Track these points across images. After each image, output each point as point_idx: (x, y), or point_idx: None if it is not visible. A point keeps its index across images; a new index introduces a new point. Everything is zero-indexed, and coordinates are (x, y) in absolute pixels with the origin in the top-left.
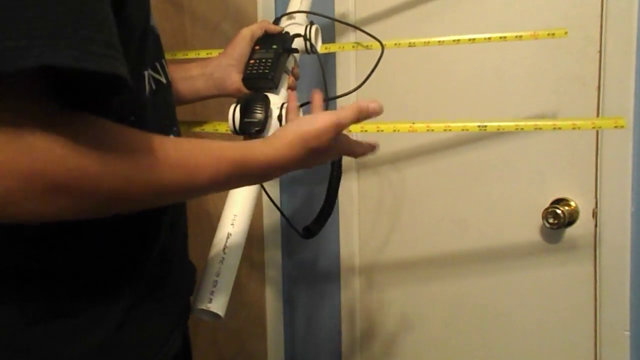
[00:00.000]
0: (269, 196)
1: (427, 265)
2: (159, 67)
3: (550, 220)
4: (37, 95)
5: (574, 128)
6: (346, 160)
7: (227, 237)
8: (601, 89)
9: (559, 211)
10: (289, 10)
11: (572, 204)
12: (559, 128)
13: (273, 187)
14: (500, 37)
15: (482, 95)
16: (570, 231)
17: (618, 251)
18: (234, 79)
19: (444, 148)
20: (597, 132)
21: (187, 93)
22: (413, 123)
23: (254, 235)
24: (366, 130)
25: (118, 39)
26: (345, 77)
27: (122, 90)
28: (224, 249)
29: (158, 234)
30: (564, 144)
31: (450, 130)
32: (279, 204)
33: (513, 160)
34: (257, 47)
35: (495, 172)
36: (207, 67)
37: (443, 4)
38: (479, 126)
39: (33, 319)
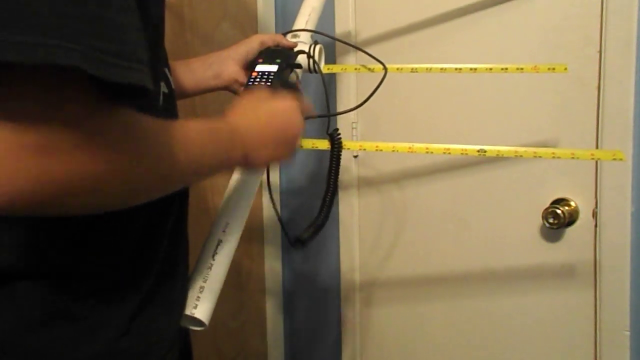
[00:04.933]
0: (271, 196)
1: (428, 279)
2: (162, 77)
3: (550, 220)
4: (76, 92)
5: (572, 157)
6: (347, 175)
7: (218, 244)
8: (601, 89)
9: (559, 211)
10: (295, 27)
11: (572, 204)
12: (558, 157)
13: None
14: (502, 69)
15: (481, 95)
16: (570, 231)
17: (618, 251)
18: (232, 70)
19: (445, 167)
20: (597, 132)
21: (187, 83)
22: (412, 145)
23: (254, 235)
24: (365, 149)
25: (138, 48)
26: (346, 92)
27: (141, 97)
28: (213, 255)
29: (162, 238)
30: (564, 144)
31: (449, 153)
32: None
33: (513, 161)
34: (260, 60)
35: (496, 173)
36: (207, 59)
37: (443, 24)
38: (478, 151)
39: (34, 323)
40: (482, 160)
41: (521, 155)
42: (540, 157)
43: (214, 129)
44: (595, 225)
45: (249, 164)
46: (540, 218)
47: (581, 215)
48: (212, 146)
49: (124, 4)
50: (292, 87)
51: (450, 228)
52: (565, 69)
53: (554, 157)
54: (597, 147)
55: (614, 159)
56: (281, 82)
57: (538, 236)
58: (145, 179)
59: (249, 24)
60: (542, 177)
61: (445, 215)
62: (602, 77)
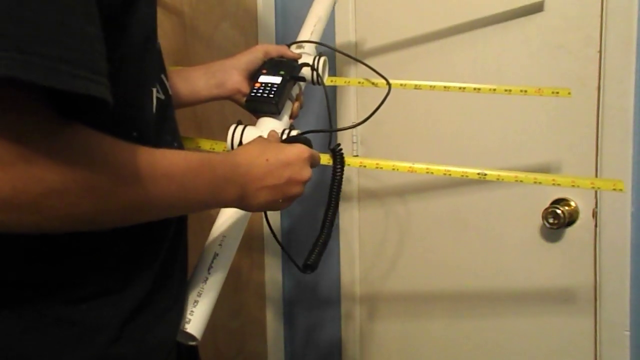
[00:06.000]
0: (270, 228)
1: (429, 287)
2: (158, 83)
3: (550, 220)
4: (20, 105)
5: (572, 185)
6: (348, 185)
7: (214, 257)
8: (601, 89)
9: (559, 211)
10: (300, 38)
11: (572, 204)
12: (558, 184)
13: (275, 212)
14: (506, 90)
15: (482, 95)
16: (570, 231)
17: (618, 251)
18: (235, 80)
19: (446, 183)
20: (597, 131)
21: (188, 93)
22: (413, 165)
23: (254, 244)
24: (365, 166)
25: (100, 59)
26: (346, 102)
27: (101, 110)
28: (209, 268)
29: (162, 245)
30: (564, 144)
31: (449, 174)
32: (279, 224)
33: (513, 161)
34: (263, 71)
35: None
36: (210, 67)
37: (442, 40)
38: (478, 174)
39: (27, 328)
40: (483, 162)
41: (521, 181)
42: (540, 183)
43: (209, 163)
44: (595, 225)
45: (244, 206)
46: (540, 218)
47: (581, 215)
48: (201, 181)
49: (86, 11)
50: (292, 101)
51: (451, 229)
52: (569, 93)
53: (554, 185)
54: (597, 148)
55: (614, 189)
56: (284, 95)
57: (538, 236)
58: (102, 204)
59: (249, 24)
60: None
61: (446, 217)
62: (602, 77)
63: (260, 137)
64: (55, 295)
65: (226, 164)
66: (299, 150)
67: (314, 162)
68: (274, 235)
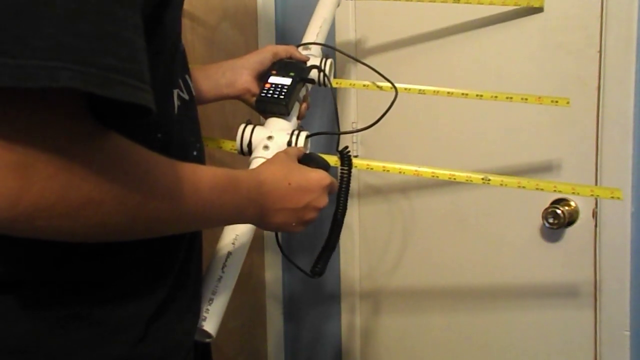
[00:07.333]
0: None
1: (430, 285)
2: (182, 83)
3: (550, 220)
4: (69, 114)
5: (573, 193)
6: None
7: (227, 256)
8: (601, 89)
9: (559, 211)
10: (306, 39)
11: (572, 204)
12: (560, 191)
13: None
14: (507, 97)
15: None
16: (570, 231)
17: (618, 251)
18: (244, 79)
19: (447, 181)
20: (597, 131)
21: (205, 88)
22: (418, 168)
23: (254, 243)
24: (372, 168)
25: (146, 69)
26: (347, 105)
27: (142, 118)
28: (222, 267)
29: (181, 246)
30: (564, 144)
31: (454, 179)
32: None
33: (513, 161)
34: (273, 72)
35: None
36: (221, 67)
37: (442, 38)
38: (482, 179)
39: (54, 326)
40: (482, 161)
41: (524, 187)
42: (542, 189)
43: (235, 180)
44: (595, 225)
45: (260, 224)
46: (540, 218)
47: (581, 215)
48: (226, 199)
49: (134, 22)
50: (300, 102)
51: (452, 228)
52: (568, 102)
53: (555, 191)
54: (597, 148)
55: (612, 198)
56: (293, 96)
57: (538, 236)
58: (132, 216)
59: (249, 24)
60: (543, 178)
61: (447, 215)
62: (602, 77)
63: (282, 153)
64: (82, 296)
65: (251, 183)
66: (321, 177)
67: (332, 190)
68: (281, 250)
